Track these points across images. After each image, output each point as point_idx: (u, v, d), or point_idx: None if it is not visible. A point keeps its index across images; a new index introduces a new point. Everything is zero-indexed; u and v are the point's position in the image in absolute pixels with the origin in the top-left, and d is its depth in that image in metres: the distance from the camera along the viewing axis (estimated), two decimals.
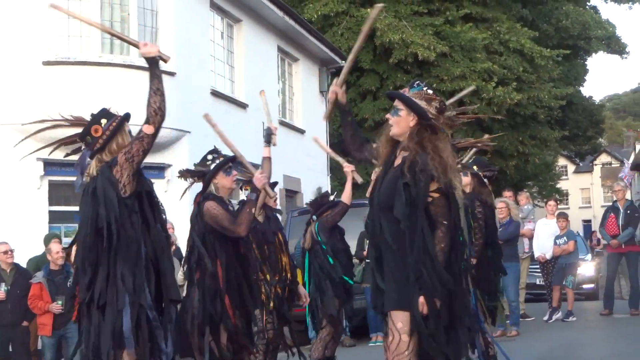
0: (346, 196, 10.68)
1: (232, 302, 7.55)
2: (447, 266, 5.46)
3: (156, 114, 6.02)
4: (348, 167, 10.26)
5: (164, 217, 6.44)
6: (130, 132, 6.27)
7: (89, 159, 6.22)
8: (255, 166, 8.89)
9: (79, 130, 6.30)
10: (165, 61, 6.30)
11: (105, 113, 6.23)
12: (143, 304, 5.92)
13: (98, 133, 6.10)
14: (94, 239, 5.95)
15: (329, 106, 6.48)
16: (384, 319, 5.74)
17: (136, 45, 6.37)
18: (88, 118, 6.35)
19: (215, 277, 7.48)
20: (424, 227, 5.43)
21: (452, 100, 7.85)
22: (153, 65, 6.15)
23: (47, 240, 13.95)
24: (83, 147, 6.31)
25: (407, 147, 5.63)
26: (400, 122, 5.67)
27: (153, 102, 6.03)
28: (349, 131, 6.29)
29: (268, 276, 9.29)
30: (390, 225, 5.58)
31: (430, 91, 5.77)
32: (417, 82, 5.94)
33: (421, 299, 5.37)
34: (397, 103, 5.71)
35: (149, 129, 6.01)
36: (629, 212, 16.68)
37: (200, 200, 7.71)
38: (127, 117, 6.28)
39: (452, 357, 5.59)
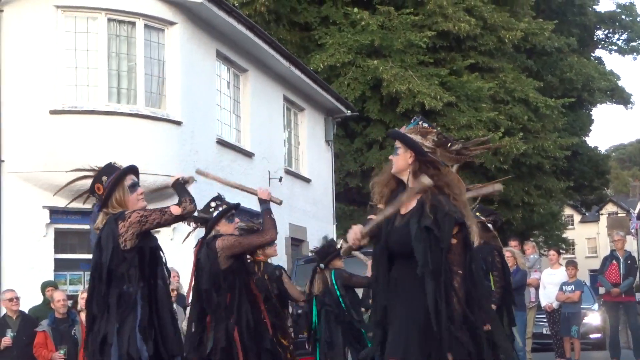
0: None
1: (241, 341, 7.56)
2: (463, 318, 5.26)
3: (189, 202, 6.19)
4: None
5: (166, 271, 6.48)
6: (134, 184, 6.27)
7: (98, 212, 6.31)
8: (256, 214, 9.00)
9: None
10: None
11: (107, 170, 6.27)
12: (133, 356, 5.91)
13: (100, 191, 6.18)
14: (97, 288, 6.01)
15: (347, 247, 6.07)
16: None
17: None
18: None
19: (228, 314, 7.53)
20: (448, 277, 5.24)
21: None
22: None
23: (43, 289, 14.11)
24: (96, 202, 6.40)
25: (423, 190, 5.36)
26: (399, 160, 5.50)
27: (186, 204, 6.20)
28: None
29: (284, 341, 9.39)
30: (407, 271, 5.38)
31: (425, 124, 5.58)
32: (414, 117, 5.79)
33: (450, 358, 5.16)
34: (396, 142, 5.56)
35: (175, 211, 6.14)
36: (629, 262, 16.71)
37: (208, 241, 7.73)
38: (128, 170, 6.28)
39: None
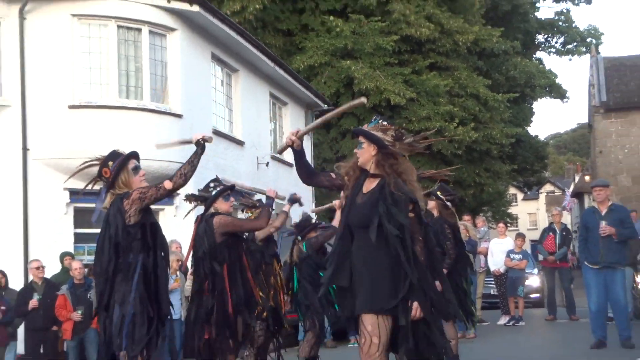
0: (336, 221, 10.69)
1: (233, 303, 7.59)
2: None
3: (180, 177, 6.15)
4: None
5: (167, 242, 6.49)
6: (136, 167, 6.28)
7: (104, 195, 6.29)
8: (246, 194, 9.03)
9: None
10: (209, 141, 6.59)
11: (112, 155, 6.25)
12: (135, 313, 5.96)
13: (107, 174, 6.17)
14: (104, 257, 6.04)
15: (284, 146, 6.45)
16: (346, 321, 5.68)
17: (189, 142, 6.65)
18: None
19: (222, 281, 7.55)
20: (410, 244, 5.39)
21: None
22: (201, 148, 6.49)
23: (61, 258, 14.41)
24: (102, 185, 6.36)
25: (383, 175, 5.57)
26: (364, 153, 5.62)
27: (183, 168, 6.19)
28: (303, 169, 6.24)
29: (261, 293, 9.26)
30: (365, 241, 5.50)
31: (385, 122, 5.68)
32: (375, 117, 5.92)
33: (415, 304, 5.31)
34: (361, 138, 5.66)
35: (168, 185, 6.13)
36: (564, 233, 16.95)
37: (206, 217, 7.77)
38: (131, 155, 6.28)
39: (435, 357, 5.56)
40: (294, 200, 9.68)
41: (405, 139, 5.72)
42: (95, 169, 6.37)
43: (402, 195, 5.45)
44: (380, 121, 5.73)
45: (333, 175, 6.16)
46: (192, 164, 6.23)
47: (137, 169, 6.27)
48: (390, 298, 5.36)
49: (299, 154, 6.26)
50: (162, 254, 6.29)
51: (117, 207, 6.01)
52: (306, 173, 6.24)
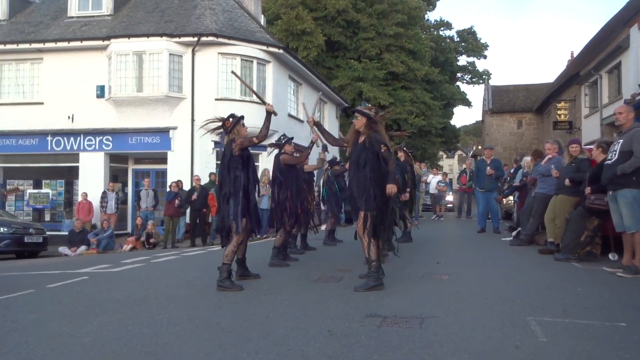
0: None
1: (290, 202, 7.26)
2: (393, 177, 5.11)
3: (262, 136, 5.62)
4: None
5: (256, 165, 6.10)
6: (243, 124, 5.77)
7: (225, 136, 5.83)
8: (302, 147, 8.42)
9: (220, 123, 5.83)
10: (275, 114, 5.87)
11: (232, 115, 5.78)
12: (242, 206, 5.56)
13: (228, 124, 5.69)
14: (223, 175, 5.63)
15: (312, 125, 6.09)
16: (356, 213, 5.36)
17: (263, 102, 5.92)
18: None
19: (286, 190, 7.23)
20: (378, 165, 5.12)
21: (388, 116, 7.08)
22: (270, 116, 5.77)
23: (209, 175, 14.32)
24: (222, 131, 5.91)
25: (366, 133, 5.26)
26: (359, 122, 5.30)
27: (264, 131, 5.65)
28: (328, 136, 5.77)
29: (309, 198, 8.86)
30: (359, 169, 5.20)
31: (369, 104, 5.46)
32: (364, 102, 5.70)
33: (388, 187, 5.03)
34: (357, 114, 5.33)
35: (255, 140, 5.60)
36: (471, 174, 16.46)
37: (277, 155, 7.42)
38: (242, 117, 5.77)
39: (388, 229, 5.31)
40: (324, 148, 8.86)
41: (379, 113, 5.48)
42: (214, 124, 5.88)
43: (377, 141, 5.13)
44: (366, 104, 5.47)
45: (343, 138, 5.96)
46: (267, 127, 5.68)
47: (244, 125, 5.81)
48: (367, 202, 5.10)
49: (321, 128, 5.90)
50: (253, 171, 5.88)
51: (230, 145, 5.60)
52: (333, 139, 5.84)
